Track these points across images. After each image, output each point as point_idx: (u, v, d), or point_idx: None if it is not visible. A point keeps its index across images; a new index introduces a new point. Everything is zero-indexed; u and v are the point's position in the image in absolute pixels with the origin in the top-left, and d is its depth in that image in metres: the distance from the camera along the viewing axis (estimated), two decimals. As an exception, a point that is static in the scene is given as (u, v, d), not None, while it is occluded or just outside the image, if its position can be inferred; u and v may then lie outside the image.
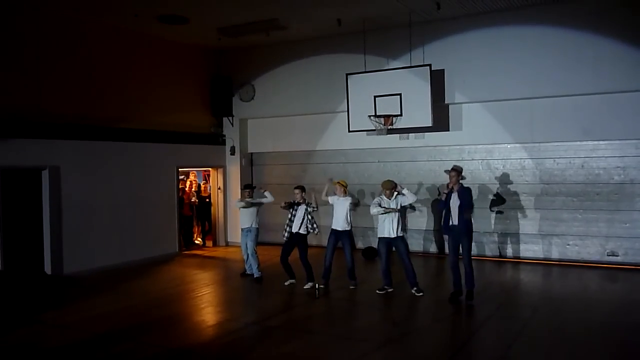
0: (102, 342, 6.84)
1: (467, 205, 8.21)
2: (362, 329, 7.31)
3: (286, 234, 9.42)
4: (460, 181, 8.37)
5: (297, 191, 9.52)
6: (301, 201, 9.44)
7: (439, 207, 9.14)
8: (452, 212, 8.28)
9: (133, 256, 11.58)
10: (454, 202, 8.25)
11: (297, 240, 9.36)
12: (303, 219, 9.34)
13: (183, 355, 6.34)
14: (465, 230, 8.23)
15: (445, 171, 8.61)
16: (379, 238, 8.86)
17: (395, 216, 8.65)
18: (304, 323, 7.73)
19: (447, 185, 8.37)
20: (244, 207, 10.06)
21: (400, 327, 7.43)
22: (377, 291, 8.85)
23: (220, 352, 6.51)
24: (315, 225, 9.40)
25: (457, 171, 8.38)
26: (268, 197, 10.23)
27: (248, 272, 10.28)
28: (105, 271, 10.83)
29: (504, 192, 11.35)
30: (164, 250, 12.40)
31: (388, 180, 8.98)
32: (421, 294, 8.59)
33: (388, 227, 8.68)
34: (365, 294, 8.95)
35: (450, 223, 8.32)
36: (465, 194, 8.23)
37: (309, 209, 9.37)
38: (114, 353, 6.43)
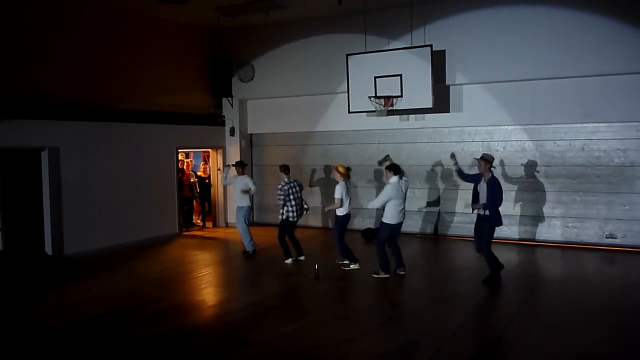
0: (103, 322, 6.89)
1: (492, 201, 8.17)
2: (361, 309, 7.36)
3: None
4: (492, 169, 8.33)
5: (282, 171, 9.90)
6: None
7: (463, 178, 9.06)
8: (479, 200, 8.34)
9: (133, 237, 11.62)
10: (482, 191, 8.27)
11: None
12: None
13: (184, 334, 6.39)
14: (487, 221, 8.24)
15: (475, 159, 8.63)
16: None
17: None
18: (304, 303, 7.80)
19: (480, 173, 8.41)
20: (225, 183, 10.54)
21: (398, 308, 7.50)
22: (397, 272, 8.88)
23: (221, 332, 6.56)
24: (282, 210, 9.64)
25: (485, 160, 8.32)
26: (251, 188, 10.52)
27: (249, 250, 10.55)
28: (106, 252, 10.88)
29: (504, 175, 11.34)
30: (164, 231, 12.43)
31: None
32: (378, 276, 8.69)
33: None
34: (365, 275, 8.99)
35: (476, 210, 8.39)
36: (494, 190, 8.15)
37: (278, 192, 9.66)
38: (116, 333, 6.48)
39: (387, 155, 10.85)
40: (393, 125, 12.18)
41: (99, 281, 8.81)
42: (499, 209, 8.25)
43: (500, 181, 8.52)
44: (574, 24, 10.30)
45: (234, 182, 10.59)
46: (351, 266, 9.28)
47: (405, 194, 8.70)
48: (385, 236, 8.65)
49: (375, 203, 8.68)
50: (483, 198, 8.25)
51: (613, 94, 10.29)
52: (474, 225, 8.73)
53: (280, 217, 9.72)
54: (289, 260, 9.73)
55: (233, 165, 10.81)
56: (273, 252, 10.17)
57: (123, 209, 11.50)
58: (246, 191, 10.37)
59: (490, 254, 8.29)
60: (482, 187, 8.29)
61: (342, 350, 5.93)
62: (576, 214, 10.88)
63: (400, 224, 8.73)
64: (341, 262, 9.36)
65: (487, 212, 8.21)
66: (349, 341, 6.15)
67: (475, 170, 9.24)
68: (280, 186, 9.70)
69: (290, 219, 9.68)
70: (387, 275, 8.63)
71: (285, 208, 9.64)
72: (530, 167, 11.20)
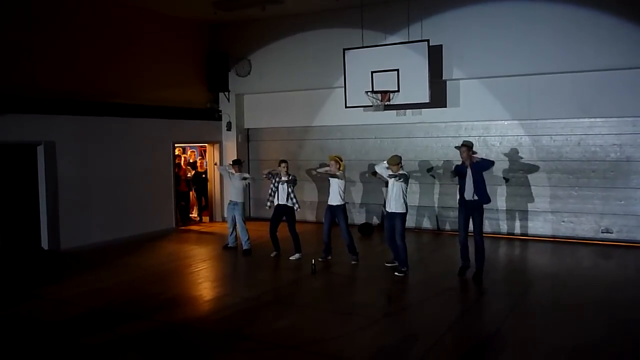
0: (100, 316, 6.88)
1: (487, 166, 8.29)
2: (358, 304, 7.37)
3: (268, 204, 9.88)
4: (474, 155, 8.30)
5: (283, 165, 9.73)
6: (284, 175, 9.65)
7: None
8: (466, 187, 8.23)
9: (130, 232, 11.61)
10: (469, 177, 8.21)
11: (284, 211, 9.67)
12: (287, 191, 9.60)
13: (181, 329, 6.40)
14: (477, 206, 8.22)
15: (456, 147, 8.59)
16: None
17: (392, 190, 8.58)
18: (301, 298, 7.81)
19: (463, 162, 8.35)
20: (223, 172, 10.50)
21: (396, 302, 7.51)
22: (386, 264, 8.96)
23: (218, 327, 6.56)
24: (295, 201, 9.67)
25: (467, 146, 8.35)
26: (247, 178, 10.61)
27: (230, 245, 10.61)
28: (102, 247, 10.86)
29: (500, 169, 11.35)
30: (160, 226, 12.42)
31: (394, 156, 8.76)
32: (402, 274, 8.52)
33: (387, 201, 8.67)
34: (362, 269, 9.01)
35: (465, 198, 8.27)
36: (483, 164, 8.24)
37: (285, 182, 9.59)
38: (112, 327, 6.48)
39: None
40: (390, 120, 12.19)
41: (96, 276, 8.80)
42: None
43: (495, 177, 8.55)
44: (571, 19, 10.31)
45: (233, 178, 10.43)
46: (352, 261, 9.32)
47: (399, 189, 8.58)
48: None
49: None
50: (469, 186, 8.17)
51: (610, 89, 10.30)
52: (459, 215, 8.44)
53: (297, 207, 9.72)
54: (296, 255, 9.70)
55: (232, 164, 10.72)
56: (270, 246, 10.15)
57: (119, 204, 11.48)
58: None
59: (477, 244, 8.31)
60: (469, 174, 8.22)
61: (340, 344, 5.94)
62: (572, 209, 10.91)
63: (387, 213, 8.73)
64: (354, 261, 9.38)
65: (476, 197, 8.18)
66: (346, 335, 6.16)
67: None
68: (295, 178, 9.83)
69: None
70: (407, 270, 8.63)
71: (296, 199, 9.74)
72: (527, 162, 11.21)
